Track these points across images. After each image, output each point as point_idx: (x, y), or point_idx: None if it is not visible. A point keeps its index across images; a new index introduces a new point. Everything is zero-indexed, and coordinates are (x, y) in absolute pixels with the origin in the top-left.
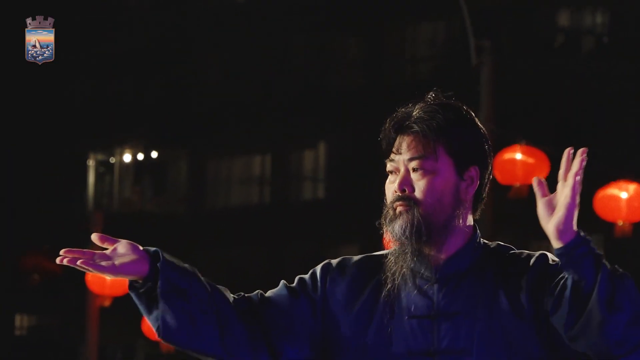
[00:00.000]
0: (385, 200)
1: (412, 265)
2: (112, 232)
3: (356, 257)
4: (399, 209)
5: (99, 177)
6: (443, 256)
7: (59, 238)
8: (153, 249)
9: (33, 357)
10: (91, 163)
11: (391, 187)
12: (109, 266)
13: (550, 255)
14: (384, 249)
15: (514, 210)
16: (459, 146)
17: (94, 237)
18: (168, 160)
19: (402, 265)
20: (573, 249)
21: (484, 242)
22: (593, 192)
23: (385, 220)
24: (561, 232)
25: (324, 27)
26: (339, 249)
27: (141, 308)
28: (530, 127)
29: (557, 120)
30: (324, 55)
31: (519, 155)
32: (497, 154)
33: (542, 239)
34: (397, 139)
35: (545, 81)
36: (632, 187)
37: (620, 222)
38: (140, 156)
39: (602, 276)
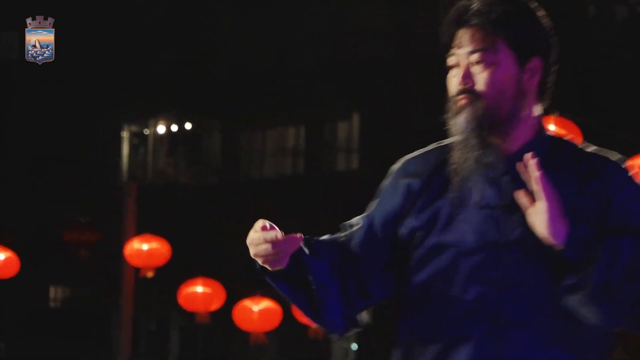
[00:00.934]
0: (448, 94)
1: (480, 157)
2: (146, 203)
3: (418, 153)
4: (461, 102)
5: (133, 148)
6: (512, 147)
7: (95, 209)
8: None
9: (67, 329)
10: (125, 135)
11: (454, 81)
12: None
13: (625, 171)
14: None
15: None
16: (519, 38)
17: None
18: (201, 132)
19: (468, 157)
20: (569, 250)
21: (550, 135)
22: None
23: (449, 114)
24: (554, 236)
25: None
26: None
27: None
28: (563, 99)
29: (590, 91)
30: (351, 24)
31: (552, 127)
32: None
33: None
34: (457, 32)
35: (580, 52)
36: None
37: None
38: (174, 127)
39: (598, 267)
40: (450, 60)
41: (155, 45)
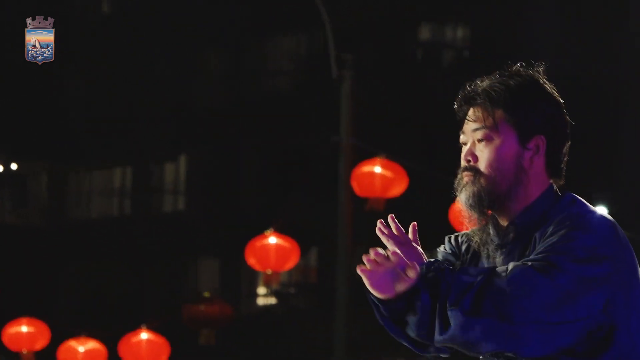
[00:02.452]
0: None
1: (483, 233)
2: None
3: (457, 234)
4: (464, 179)
5: None
6: (506, 222)
7: None
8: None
9: None
10: None
11: (462, 158)
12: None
13: (565, 220)
14: (244, 263)
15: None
16: (520, 117)
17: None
18: (28, 172)
19: (475, 230)
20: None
21: (550, 204)
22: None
23: (457, 189)
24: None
25: (185, 40)
26: (198, 261)
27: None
28: (390, 141)
29: (417, 134)
30: (185, 68)
31: (378, 169)
32: (356, 166)
33: None
34: (468, 110)
35: (406, 95)
36: None
37: None
38: (0, 168)
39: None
40: (461, 138)
41: None
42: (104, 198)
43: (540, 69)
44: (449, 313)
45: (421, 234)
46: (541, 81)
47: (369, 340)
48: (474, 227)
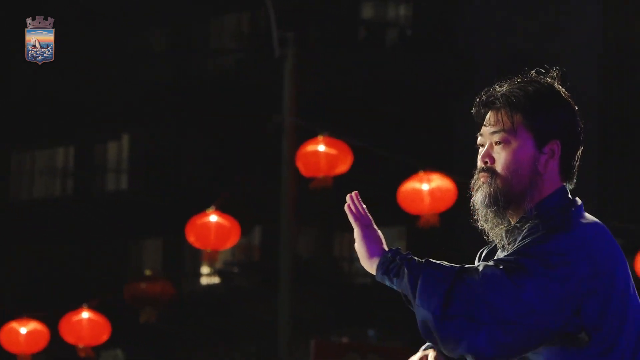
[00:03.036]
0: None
1: (497, 229)
2: None
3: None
4: (481, 180)
5: None
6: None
7: None
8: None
9: None
10: None
11: (479, 159)
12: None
13: (534, 229)
14: (187, 242)
15: (320, 203)
16: (537, 121)
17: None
18: None
19: (490, 229)
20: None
21: (552, 207)
22: (397, 186)
23: (472, 189)
24: (367, 253)
25: (128, 19)
26: (142, 241)
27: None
28: (334, 119)
29: (360, 112)
30: (128, 47)
31: (321, 147)
32: (300, 146)
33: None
34: (487, 113)
35: (349, 73)
36: (434, 178)
37: (423, 214)
38: None
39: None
40: (479, 140)
41: None
42: (47, 178)
43: (555, 74)
44: (416, 310)
45: (369, 211)
46: (557, 88)
47: (314, 319)
48: (489, 226)
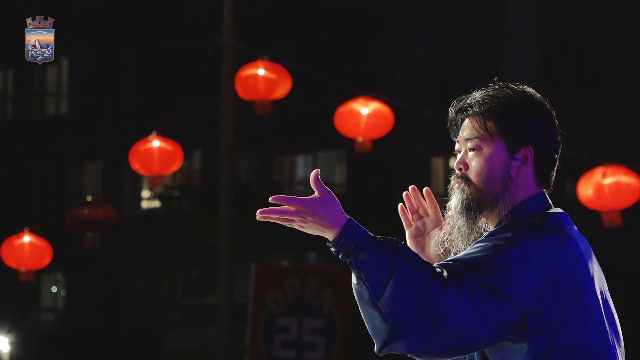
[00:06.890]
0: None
1: (469, 234)
2: None
3: None
4: (455, 186)
5: None
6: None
7: None
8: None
9: None
10: None
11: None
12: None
13: (494, 233)
14: (128, 167)
15: (260, 126)
16: (509, 127)
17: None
18: None
19: (462, 234)
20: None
21: (517, 218)
22: (335, 109)
23: (449, 194)
24: (331, 220)
25: None
26: (82, 165)
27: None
28: (273, 43)
29: (300, 36)
30: None
31: (261, 71)
32: (240, 69)
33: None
34: (461, 120)
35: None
36: (372, 104)
37: (359, 139)
38: None
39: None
40: (456, 146)
41: None
42: None
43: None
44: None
45: (307, 133)
46: (530, 93)
47: (255, 243)
48: (464, 231)
